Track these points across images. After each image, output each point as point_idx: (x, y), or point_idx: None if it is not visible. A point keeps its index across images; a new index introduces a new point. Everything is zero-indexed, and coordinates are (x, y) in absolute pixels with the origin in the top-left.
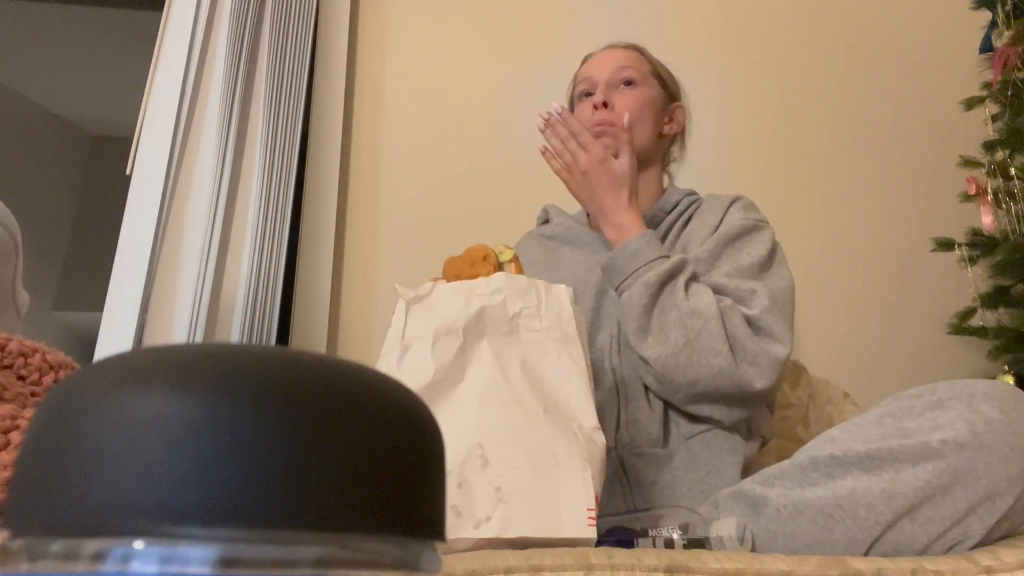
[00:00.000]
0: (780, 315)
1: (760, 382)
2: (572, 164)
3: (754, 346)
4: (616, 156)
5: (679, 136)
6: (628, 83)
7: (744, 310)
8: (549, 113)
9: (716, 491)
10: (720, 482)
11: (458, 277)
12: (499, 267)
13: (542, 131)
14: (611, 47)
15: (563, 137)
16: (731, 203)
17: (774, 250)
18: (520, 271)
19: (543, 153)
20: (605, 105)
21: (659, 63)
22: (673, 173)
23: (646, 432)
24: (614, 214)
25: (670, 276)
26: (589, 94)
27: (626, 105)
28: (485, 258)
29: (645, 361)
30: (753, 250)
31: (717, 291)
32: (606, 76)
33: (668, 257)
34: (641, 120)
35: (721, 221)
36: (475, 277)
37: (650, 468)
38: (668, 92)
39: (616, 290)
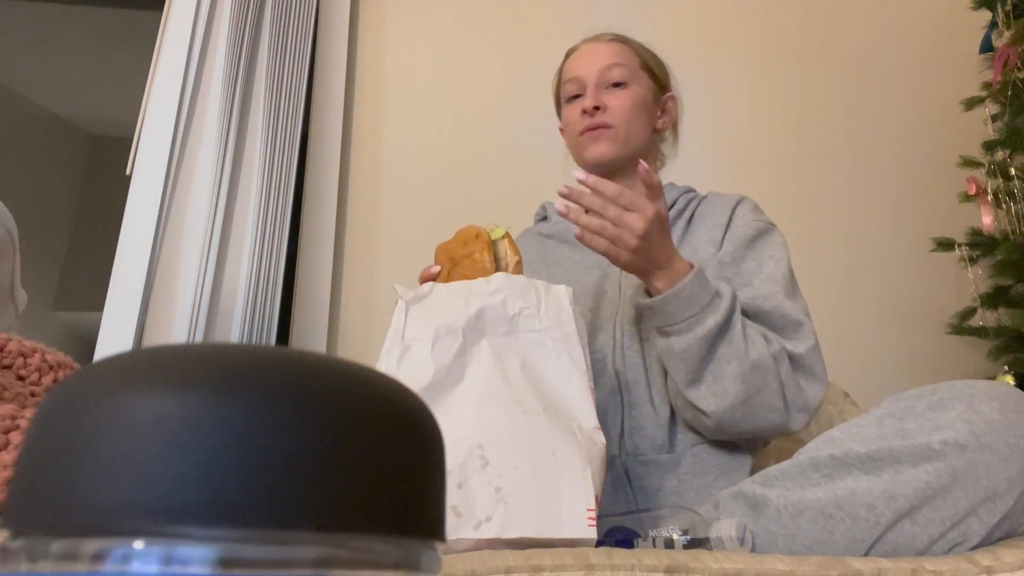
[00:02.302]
0: (819, 353)
1: (803, 422)
2: (619, 241)
3: (801, 394)
4: (651, 201)
5: (673, 127)
6: (618, 84)
7: (789, 347)
8: (567, 187)
9: None
10: (730, 486)
11: (452, 258)
12: (491, 244)
13: (563, 215)
14: (596, 40)
15: (599, 206)
16: (737, 203)
17: (789, 257)
18: (513, 247)
19: (579, 238)
20: (597, 109)
21: (647, 52)
22: (666, 163)
23: (651, 439)
24: (669, 266)
25: (727, 322)
26: (577, 96)
27: (619, 109)
28: (477, 236)
29: (698, 409)
30: (776, 253)
31: (760, 316)
32: (594, 75)
33: (720, 295)
34: (635, 123)
35: (730, 221)
36: (469, 256)
37: (656, 475)
38: (659, 84)
39: (660, 331)
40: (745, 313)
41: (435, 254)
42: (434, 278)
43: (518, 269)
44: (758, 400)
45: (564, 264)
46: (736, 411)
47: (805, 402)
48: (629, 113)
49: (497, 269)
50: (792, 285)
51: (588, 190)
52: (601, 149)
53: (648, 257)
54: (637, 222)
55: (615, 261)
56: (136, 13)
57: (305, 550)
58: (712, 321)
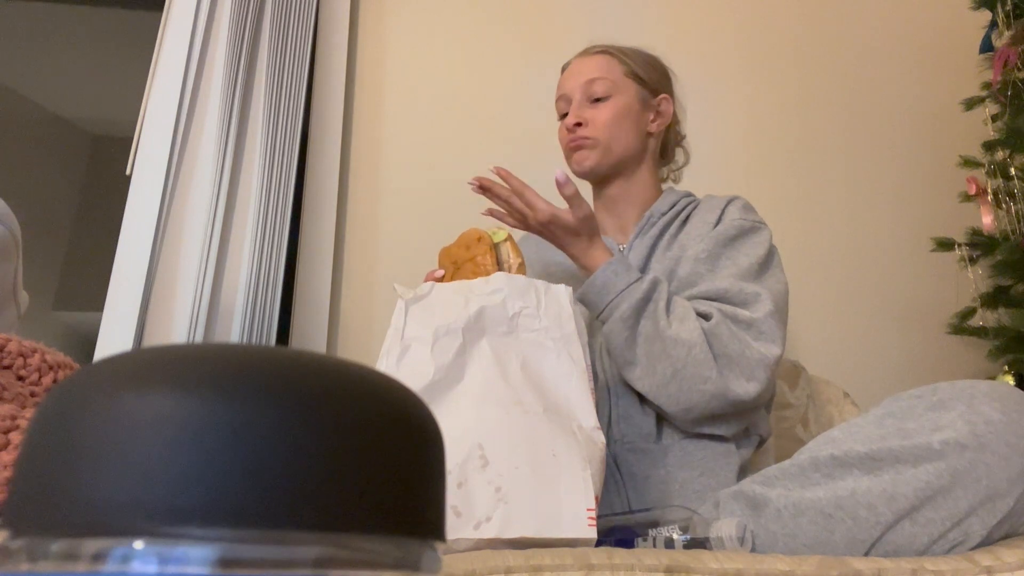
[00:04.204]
0: (779, 320)
1: (752, 388)
2: (522, 219)
3: (747, 354)
4: (570, 203)
5: (672, 127)
6: (600, 99)
7: (746, 313)
8: (479, 179)
9: (710, 491)
10: (715, 483)
11: (455, 262)
12: (494, 247)
13: (481, 194)
14: (584, 55)
15: (505, 197)
16: (728, 202)
17: (771, 252)
18: (516, 249)
19: (489, 214)
20: (579, 125)
21: (636, 59)
22: (677, 170)
23: (638, 427)
24: (580, 258)
25: (644, 303)
26: (566, 114)
27: (600, 123)
28: (480, 239)
29: (639, 394)
30: (751, 251)
31: (719, 296)
32: (578, 91)
33: (639, 280)
34: (617, 133)
35: (719, 220)
36: (472, 259)
37: (644, 463)
38: (649, 88)
39: (599, 322)
40: (706, 296)
41: (438, 258)
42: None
43: (520, 272)
44: (686, 373)
45: (563, 265)
46: (669, 387)
47: (752, 364)
48: (610, 125)
49: (501, 271)
50: (758, 272)
51: (500, 180)
52: (584, 161)
53: (555, 243)
54: (531, 219)
55: (526, 229)
56: (136, 13)
57: (305, 550)
58: (627, 304)
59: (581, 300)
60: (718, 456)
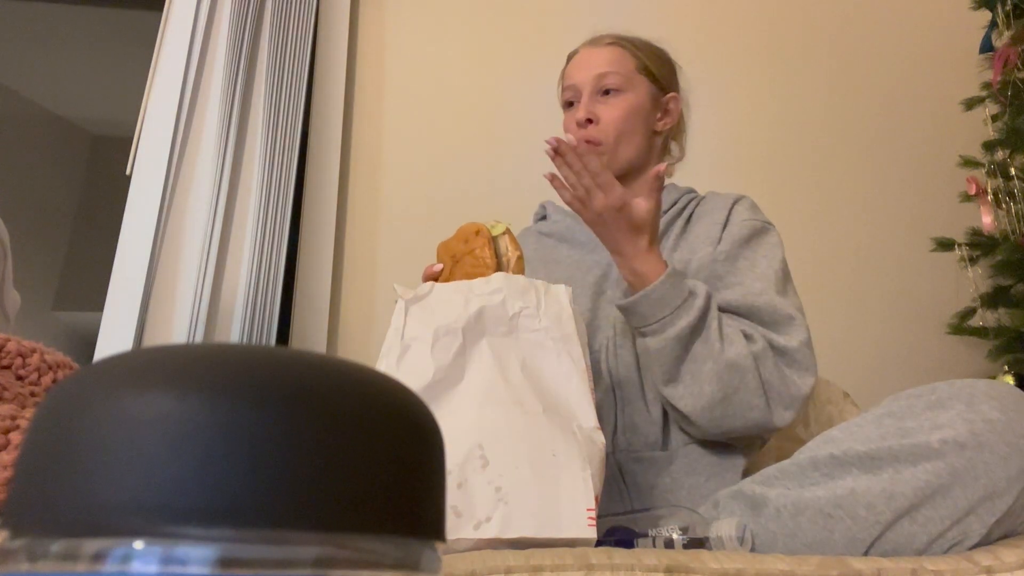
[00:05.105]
0: (811, 347)
1: (788, 417)
2: (586, 200)
3: (788, 388)
4: (648, 195)
5: (677, 126)
6: (610, 92)
7: (780, 341)
8: (558, 140)
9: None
10: (722, 487)
11: (453, 256)
12: (492, 240)
13: (551, 158)
14: (593, 44)
15: (577, 170)
16: (735, 202)
17: (784, 258)
18: (514, 242)
19: (551, 180)
20: (590, 121)
21: (647, 53)
22: (674, 167)
23: (644, 436)
24: (633, 260)
25: (701, 321)
26: (572, 103)
27: (610, 121)
28: (478, 232)
29: (676, 408)
30: (769, 253)
31: (750, 312)
32: (588, 83)
33: (693, 295)
34: (627, 132)
35: (728, 219)
36: (471, 252)
37: (649, 472)
38: (659, 85)
39: (637, 331)
40: (736, 310)
41: (437, 252)
42: (436, 276)
43: (519, 265)
44: (736, 399)
45: (563, 263)
46: (714, 410)
47: (792, 396)
48: (620, 123)
49: (498, 265)
50: (784, 282)
51: (572, 151)
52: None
53: (609, 236)
54: (598, 201)
55: (579, 214)
56: (136, 13)
57: (305, 550)
58: (684, 322)
59: (626, 308)
60: (724, 460)
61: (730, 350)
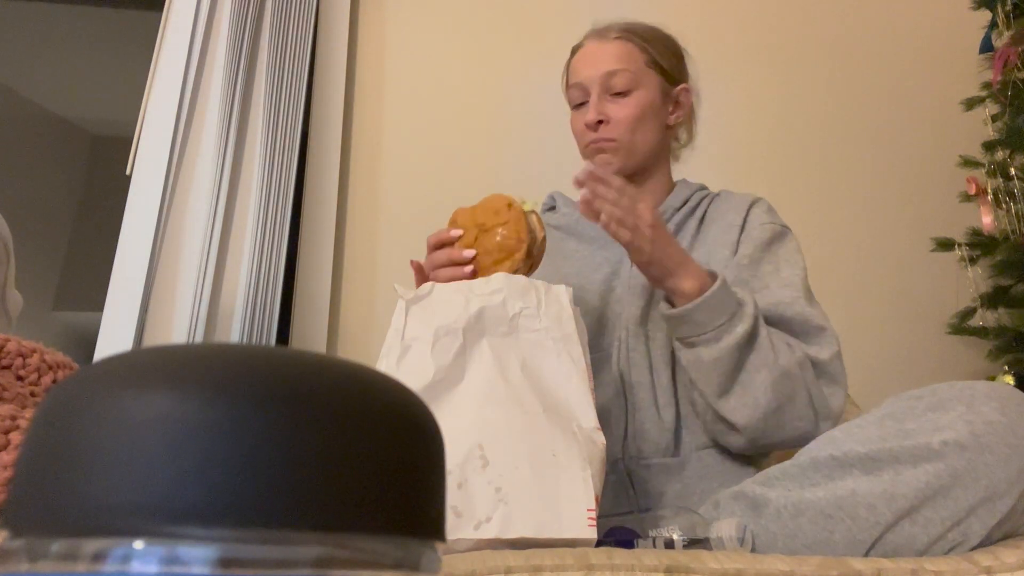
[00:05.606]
0: (842, 360)
1: (824, 429)
2: (636, 232)
3: (826, 402)
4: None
5: (688, 118)
6: (622, 93)
7: (812, 353)
8: (588, 173)
9: None
10: None
11: (480, 225)
12: (525, 215)
13: (579, 185)
14: (600, 38)
15: (612, 200)
16: (752, 204)
17: (805, 265)
18: (541, 222)
19: (582, 204)
20: (600, 123)
21: (656, 45)
22: (680, 152)
23: (654, 443)
24: (684, 269)
25: (756, 328)
26: (582, 103)
27: (622, 121)
28: (510, 206)
29: (728, 423)
30: (791, 258)
31: (780, 321)
32: (596, 82)
33: (742, 303)
34: (640, 132)
35: (745, 222)
36: (504, 223)
37: (659, 478)
38: (669, 78)
39: (685, 341)
40: (767, 319)
41: (454, 219)
42: (452, 243)
43: (544, 245)
44: (789, 409)
45: (572, 258)
46: (768, 421)
47: (830, 410)
48: (633, 123)
49: (532, 240)
50: (810, 290)
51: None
52: (606, 165)
53: (664, 252)
54: (646, 212)
55: (638, 254)
56: (136, 13)
57: (305, 550)
58: (741, 329)
59: (679, 316)
60: (736, 463)
61: (781, 358)
